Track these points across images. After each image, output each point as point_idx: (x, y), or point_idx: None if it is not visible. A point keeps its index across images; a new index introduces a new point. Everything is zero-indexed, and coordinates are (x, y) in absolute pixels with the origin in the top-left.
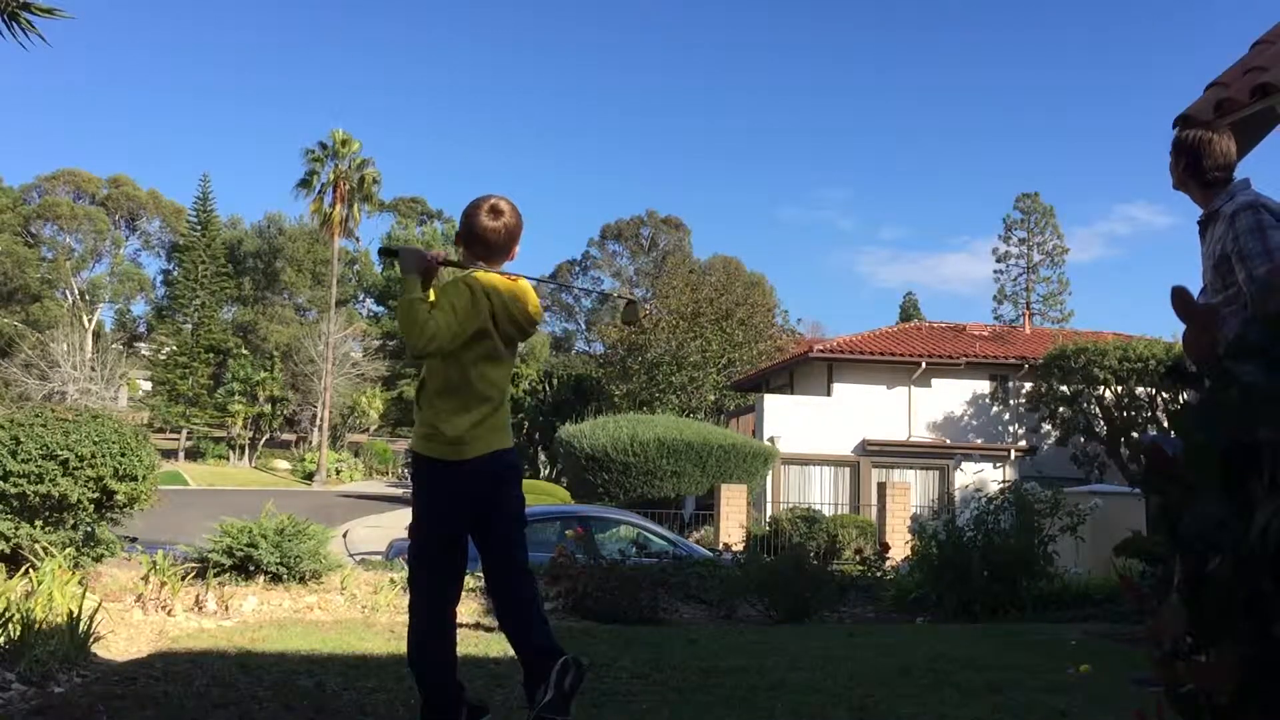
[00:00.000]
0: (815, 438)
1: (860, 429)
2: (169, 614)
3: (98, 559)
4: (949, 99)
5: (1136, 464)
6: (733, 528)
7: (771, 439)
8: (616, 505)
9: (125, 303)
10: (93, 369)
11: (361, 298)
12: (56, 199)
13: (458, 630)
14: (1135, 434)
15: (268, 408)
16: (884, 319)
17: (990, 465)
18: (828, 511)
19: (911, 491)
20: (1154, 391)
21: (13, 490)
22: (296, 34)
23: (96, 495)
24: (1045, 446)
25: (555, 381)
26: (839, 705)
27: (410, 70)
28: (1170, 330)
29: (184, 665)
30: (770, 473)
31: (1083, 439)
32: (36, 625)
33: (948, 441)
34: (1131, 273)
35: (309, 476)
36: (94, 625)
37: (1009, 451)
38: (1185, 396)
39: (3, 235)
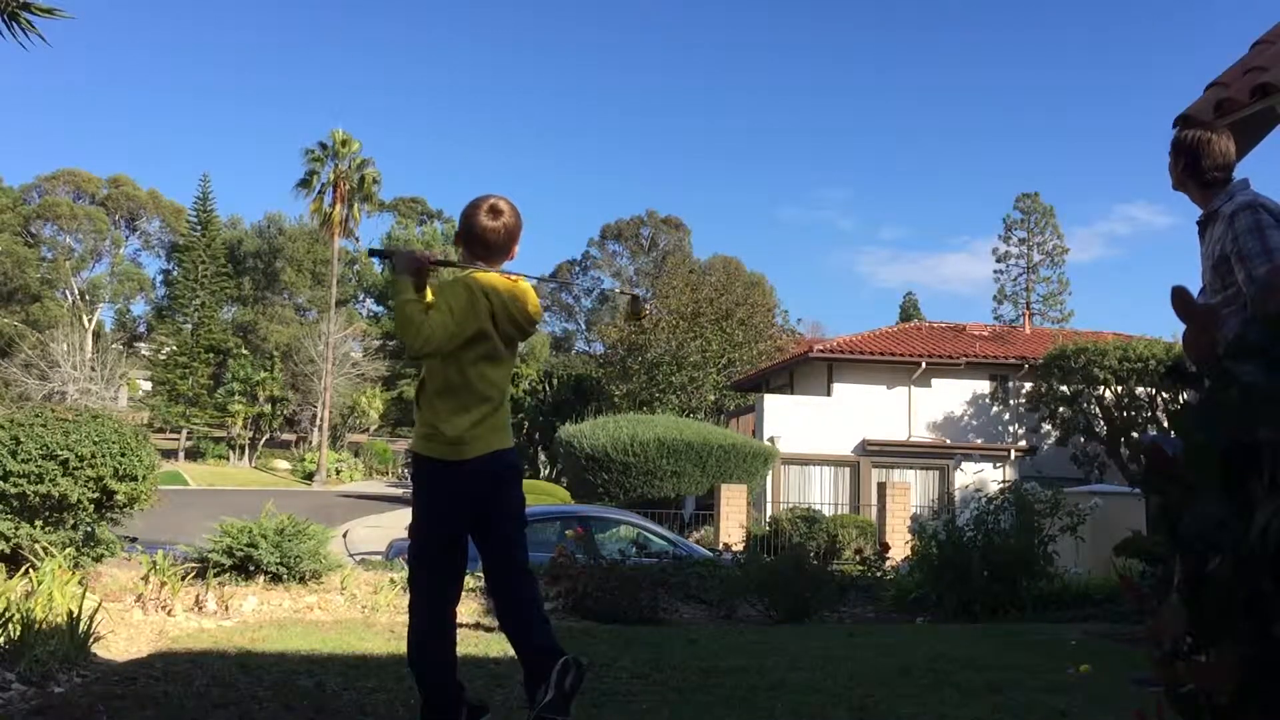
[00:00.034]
0: (815, 438)
1: (860, 429)
2: (169, 614)
3: (98, 559)
4: (949, 99)
5: (1136, 464)
6: (733, 528)
7: (771, 439)
8: (616, 505)
9: (125, 303)
10: (93, 369)
11: (361, 298)
12: (56, 199)
13: (458, 630)
14: (1135, 434)
15: (268, 408)
16: (884, 319)
17: (990, 465)
18: (828, 511)
19: (911, 491)
20: (1154, 391)
21: (13, 490)
22: (296, 34)
23: (96, 495)
24: (1045, 446)
25: (555, 381)
26: (839, 705)
27: (410, 70)
28: (1170, 330)
29: (184, 665)
30: (770, 473)
31: (1083, 439)
32: (36, 625)
33: (948, 441)
34: (1131, 273)
35: (309, 476)
36: (94, 625)
37: (1009, 451)
38: (1185, 396)
39: (3, 235)
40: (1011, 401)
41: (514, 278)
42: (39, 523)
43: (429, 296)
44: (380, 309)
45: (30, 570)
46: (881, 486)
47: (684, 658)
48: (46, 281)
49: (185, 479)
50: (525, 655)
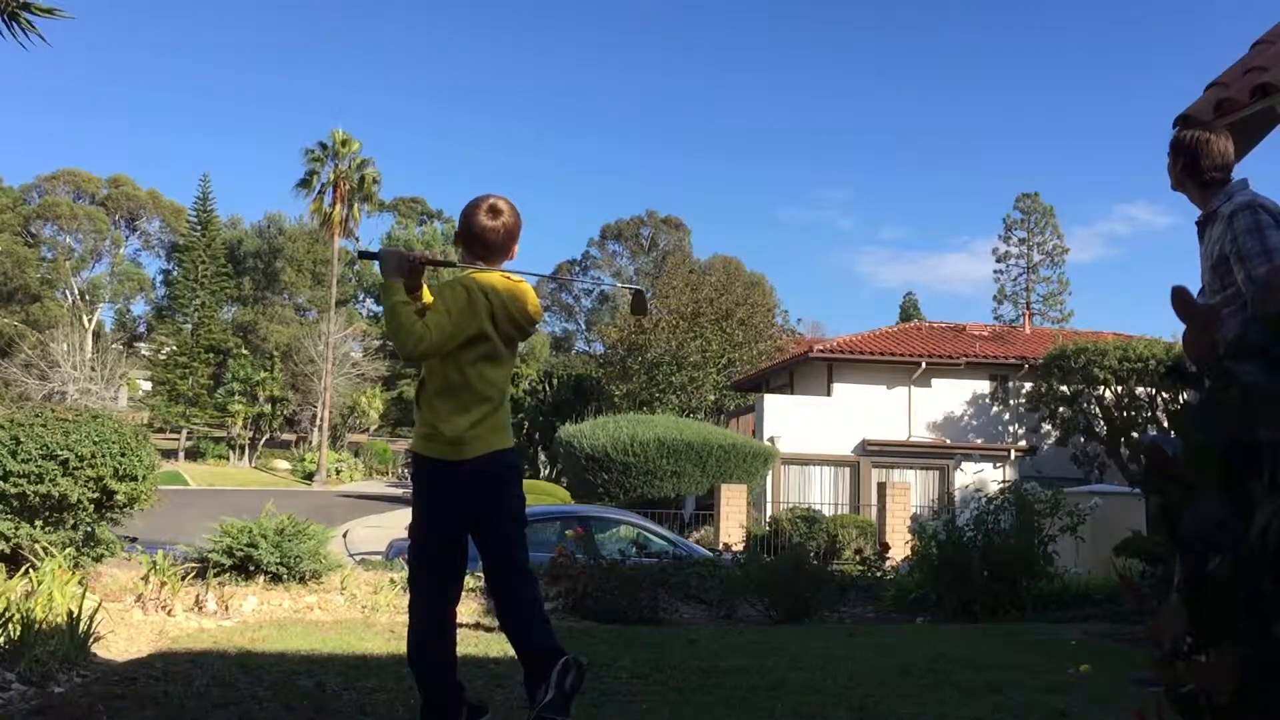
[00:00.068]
0: (815, 438)
1: (860, 429)
2: (169, 614)
3: (98, 559)
4: (949, 99)
5: (1136, 464)
6: (733, 528)
7: (771, 439)
8: (616, 505)
9: (125, 303)
10: (93, 369)
11: (361, 298)
12: (56, 199)
13: (458, 630)
14: (1135, 434)
15: (268, 408)
16: (884, 319)
17: (990, 465)
18: (828, 511)
19: (911, 491)
20: (1154, 391)
21: (13, 490)
22: (296, 34)
23: (96, 495)
24: (1045, 446)
25: (555, 381)
26: (839, 705)
27: (410, 70)
28: (1170, 330)
29: (184, 665)
30: (770, 473)
31: (1083, 439)
32: (36, 625)
33: (948, 441)
34: (1131, 273)
35: (309, 476)
36: (94, 625)
37: (1009, 451)
38: (1185, 396)
39: (3, 235)
40: (1011, 401)
41: (514, 277)
42: (39, 523)
43: (427, 297)
44: (380, 309)
45: (30, 570)
46: (881, 486)
47: (684, 658)
48: (46, 281)
49: (185, 479)
50: (525, 655)
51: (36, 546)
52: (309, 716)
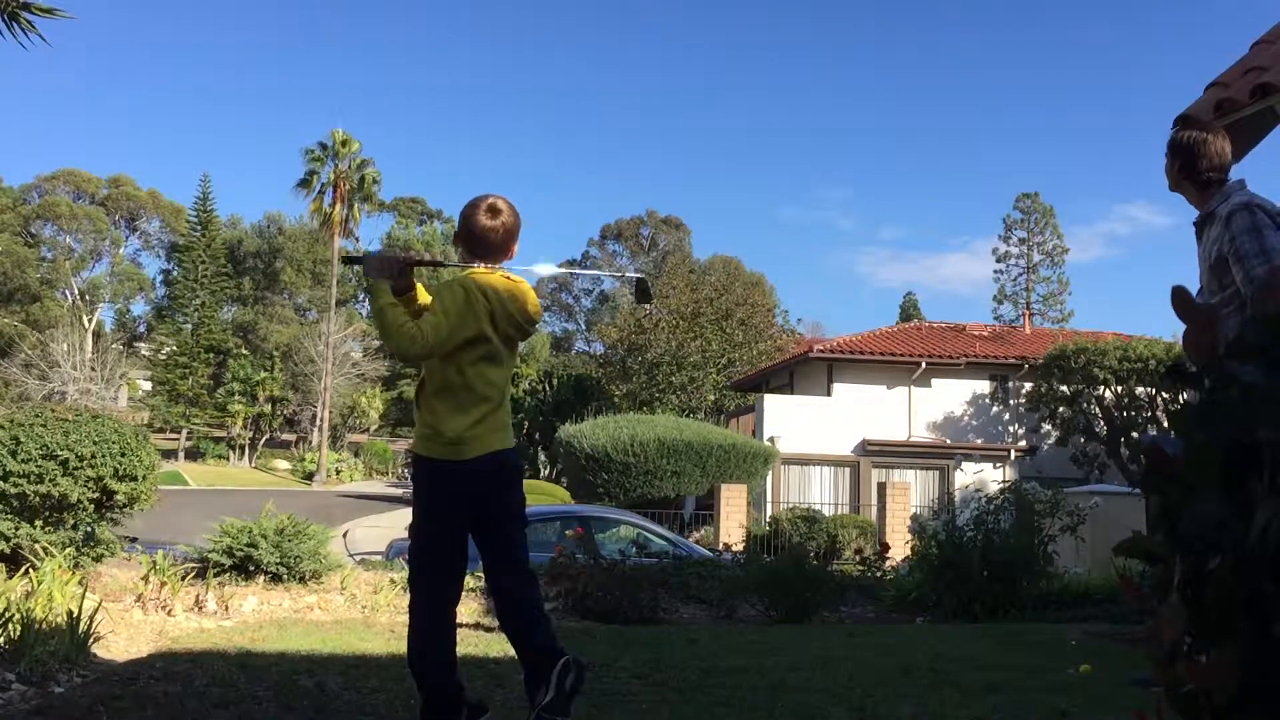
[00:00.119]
0: (815, 438)
1: (860, 429)
2: (169, 614)
3: (98, 559)
4: (949, 99)
5: (1136, 464)
6: (733, 528)
7: (771, 439)
8: (616, 505)
9: (125, 303)
10: (93, 369)
11: (361, 298)
12: (56, 199)
13: (458, 630)
14: (1135, 434)
15: (268, 408)
16: (884, 319)
17: (990, 465)
18: (828, 511)
19: (911, 491)
20: (1154, 391)
21: (13, 490)
22: (296, 34)
23: (96, 495)
24: (1045, 446)
25: (555, 381)
26: (839, 705)
27: (410, 70)
28: (1170, 330)
29: (184, 665)
30: (770, 473)
31: (1083, 439)
32: (36, 625)
33: (948, 441)
34: (1131, 273)
35: (309, 476)
36: (94, 625)
37: (1009, 451)
38: (1185, 396)
39: (3, 235)
40: (1011, 401)
41: (514, 277)
42: (39, 523)
43: (425, 297)
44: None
45: (30, 570)
46: (881, 486)
47: (684, 658)
48: (46, 281)
49: (185, 479)
50: (525, 655)
51: (36, 546)
52: (309, 716)
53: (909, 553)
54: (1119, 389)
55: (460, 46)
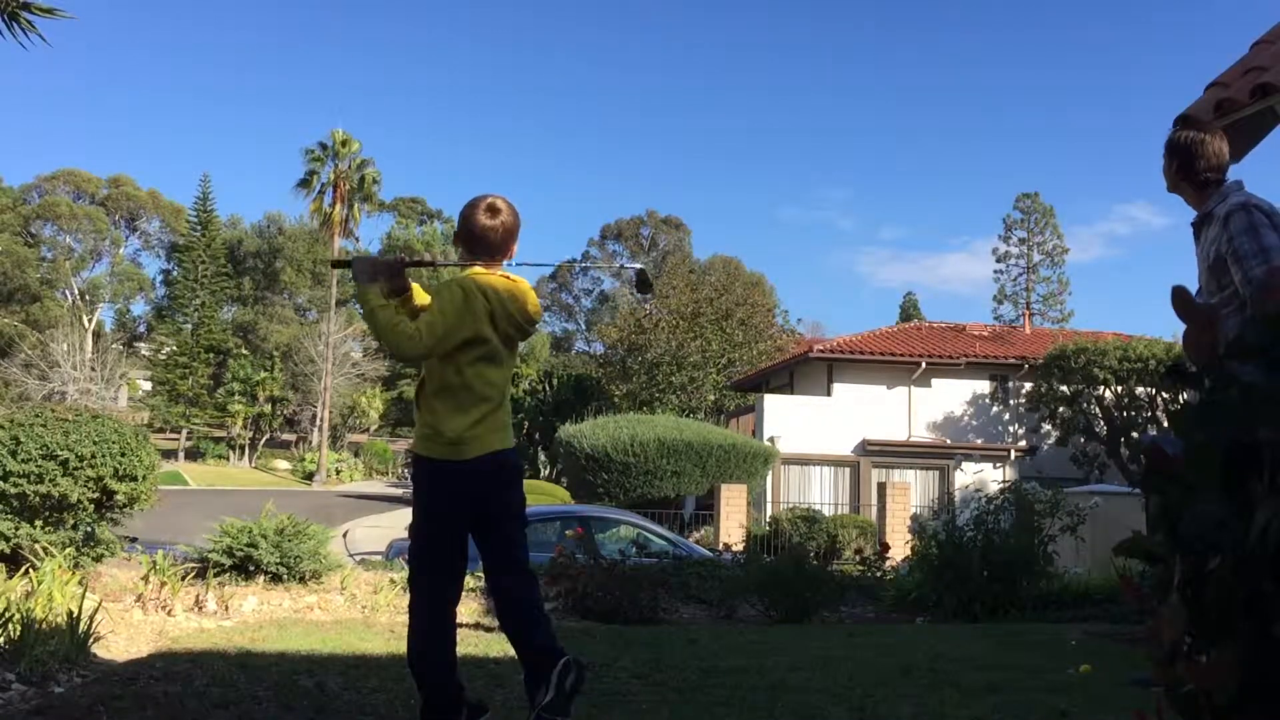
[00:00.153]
0: (815, 438)
1: (860, 429)
2: (169, 614)
3: (98, 559)
4: (949, 99)
5: (1136, 464)
6: (733, 528)
7: (771, 439)
8: (616, 505)
9: (125, 303)
10: (93, 369)
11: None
12: (56, 199)
13: (458, 630)
14: (1135, 434)
15: (268, 408)
16: (884, 319)
17: (990, 465)
18: (828, 511)
19: (911, 491)
20: (1154, 391)
21: (13, 490)
22: (296, 34)
23: (96, 495)
24: (1045, 446)
25: (555, 381)
26: (839, 705)
27: (410, 70)
28: (1170, 330)
29: (184, 665)
30: (770, 473)
31: (1083, 439)
32: (36, 625)
33: (948, 441)
34: (1131, 273)
35: (309, 476)
36: (94, 625)
37: (1009, 451)
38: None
39: (3, 235)
40: (1011, 401)
41: (514, 277)
42: (39, 523)
43: (423, 297)
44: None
45: (30, 570)
46: (881, 486)
47: (684, 658)
48: (46, 281)
49: (185, 479)
50: (526, 655)
51: (36, 546)
52: (309, 716)
53: (909, 553)
54: (1119, 389)
55: (460, 46)
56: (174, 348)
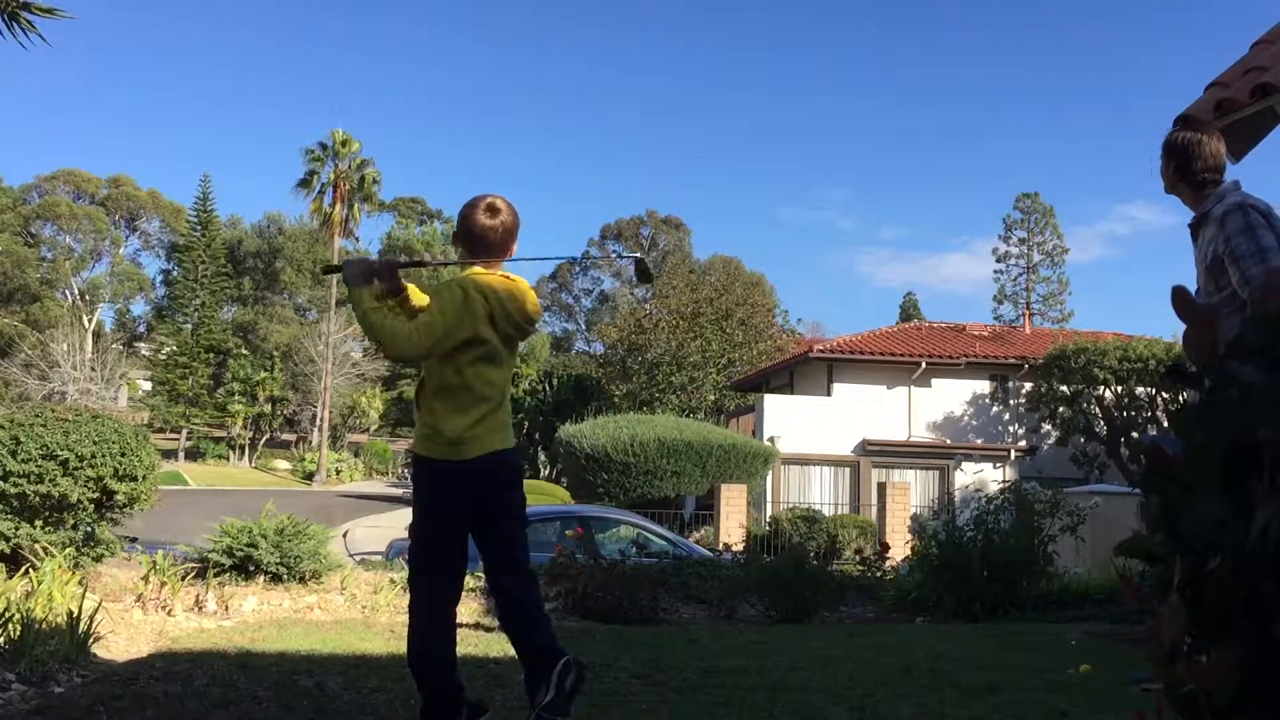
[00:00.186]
0: (815, 438)
1: (860, 429)
2: (169, 614)
3: (98, 559)
4: (949, 99)
5: (1136, 464)
6: (733, 528)
7: (771, 439)
8: (616, 505)
9: (125, 303)
10: (93, 369)
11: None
12: (56, 199)
13: (458, 630)
14: (1135, 434)
15: (268, 408)
16: (884, 319)
17: (990, 465)
18: (828, 511)
19: (911, 491)
20: (1154, 391)
21: (13, 490)
22: (296, 34)
23: (96, 495)
24: (1045, 446)
25: (555, 381)
26: (839, 705)
27: (410, 70)
28: (1170, 330)
29: (184, 665)
30: (770, 473)
31: (1083, 439)
32: (36, 625)
33: (948, 441)
34: (1131, 273)
35: (309, 476)
36: (94, 625)
37: (1009, 451)
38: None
39: (3, 235)
40: (1011, 401)
41: (513, 277)
42: (39, 523)
43: (420, 298)
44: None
45: (30, 570)
46: (881, 486)
47: (684, 658)
48: (46, 281)
49: (185, 479)
50: (526, 655)
51: (36, 546)
52: (309, 716)
53: (909, 553)
54: (1119, 389)
55: (460, 46)
56: (174, 348)
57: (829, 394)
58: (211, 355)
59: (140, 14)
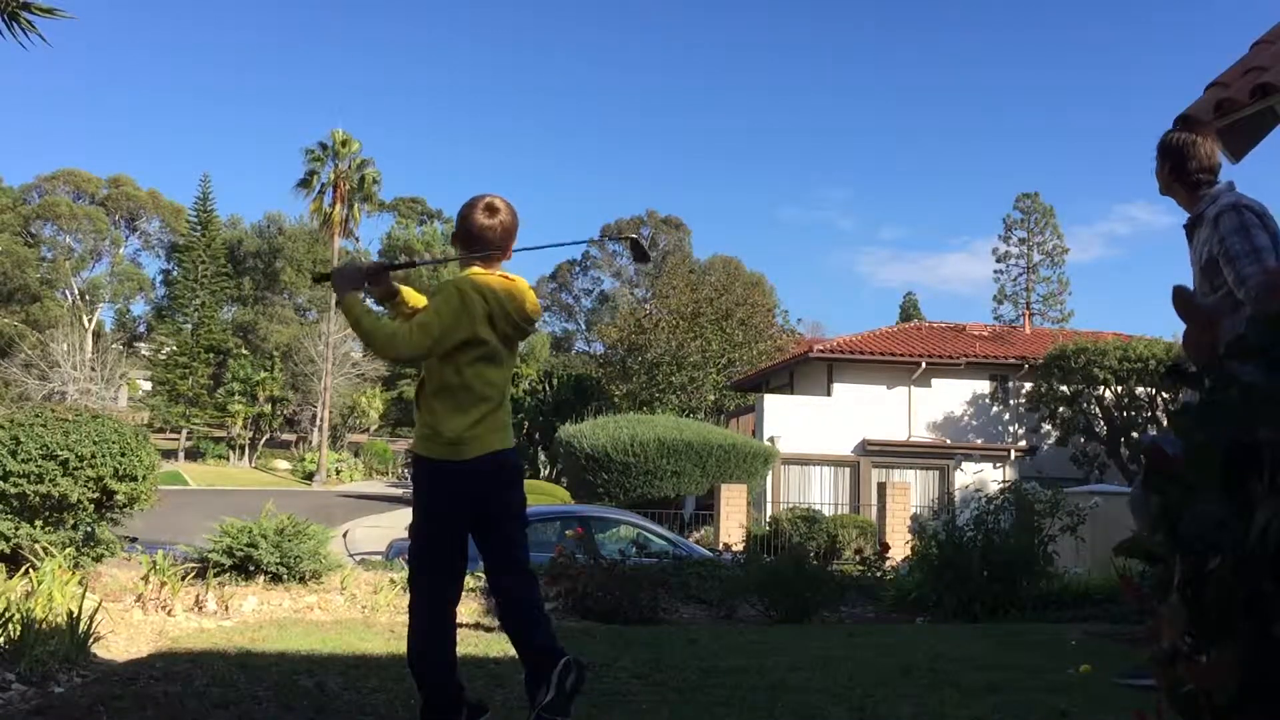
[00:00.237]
0: (815, 438)
1: (860, 429)
2: (169, 614)
3: (98, 559)
4: (949, 99)
5: (1136, 464)
6: (733, 528)
7: (771, 439)
8: (616, 505)
9: (125, 303)
10: (93, 369)
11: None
12: (56, 199)
13: (458, 630)
14: (1135, 434)
15: (268, 408)
16: (884, 319)
17: (990, 465)
18: (828, 511)
19: (911, 491)
20: (1154, 391)
21: (13, 490)
22: (296, 34)
23: (96, 495)
24: (1045, 446)
25: (555, 381)
26: (839, 705)
27: (410, 70)
28: (1170, 330)
29: (184, 665)
30: (770, 473)
31: (1083, 439)
32: (36, 625)
33: (948, 441)
34: (1131, 273)
35: (309, 476)
36: (94, 625)
37: (1009, 451)
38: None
39: (3, 235)
40: (1011, 401)
41: (512, 276)
42: (39, 523)
43: (418, 300)
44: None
45: (30, 570)
46: (881, 486)
47: (684, 658)
48: (46, 281)
49: (185, 479)
50: (526, 655)
51: (36, 546)
52: (309, 716)
53: (909, 553)
54: (1119, 389)
55: (460, 46)
56: (174, 348)
57: (829, 394)
58: (211, 355)
59: (140, 14)
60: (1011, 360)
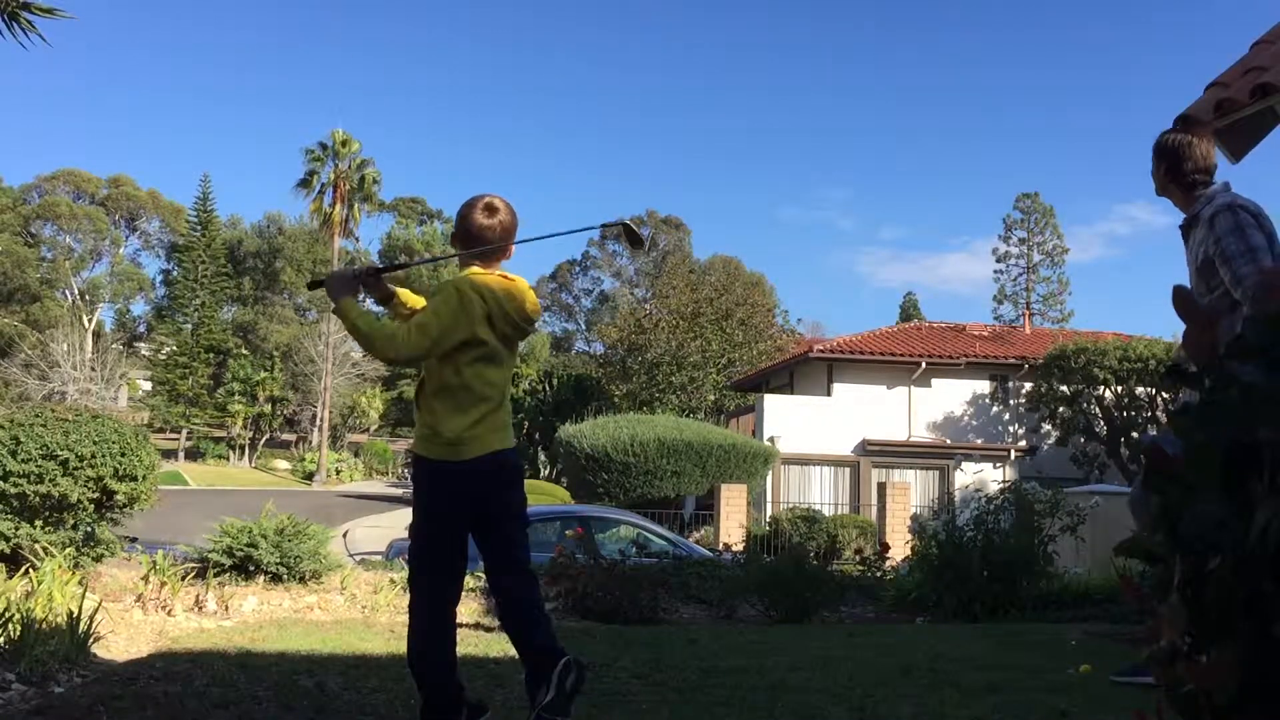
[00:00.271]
0: (815, 438)
1: (860, 429)
2: (169, 614)
3: (98, 559)
4: (949, 99)
5: (1136, 464)
6: (733, 528)
7: (771, 439)
8: (616, 505)
9: (125, 303)
10: (93, 369)
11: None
12: (56, 199)
13: (458, 630)
14: (1135, 434)
15: (268, 408)
16: (884, 319)
17: (990, 465)
18: (828, 511)
19: (911, 491)
20: (1154, 391)
21: (13, 490)
22: (296, 34)
23: (96, 495)
24: (1045, 446)
25: (555, 381)
26: (839, 705)
27: (410, 70)
28: (1170, 330)
29: (184, 665)
30: (770, 473)
31: (1083, 439)
32: (36, 625)
33: (948, 441)
34: (1131, 273)
35: (309, 476)
36: (94, 625)
37: (1009, 451)
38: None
39: (3, 235)
40: (1011, 401)
41: (511, 276)
42: (39, 523)
43: (416, 301)
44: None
45: (30, 570)
46: (881, 486)
47: (684, 658)
48: (46, 281)
49: (185, 479)
50: (526, 655)
51: (36, 546)
52: (309, 716)
53: (909, 553)
54: (1119, 389)
55: (460, 46)
56: (174, 348)
57: (829, 394)
58: (211, 355)
59: (140, 14)
60: (1011, 360)
